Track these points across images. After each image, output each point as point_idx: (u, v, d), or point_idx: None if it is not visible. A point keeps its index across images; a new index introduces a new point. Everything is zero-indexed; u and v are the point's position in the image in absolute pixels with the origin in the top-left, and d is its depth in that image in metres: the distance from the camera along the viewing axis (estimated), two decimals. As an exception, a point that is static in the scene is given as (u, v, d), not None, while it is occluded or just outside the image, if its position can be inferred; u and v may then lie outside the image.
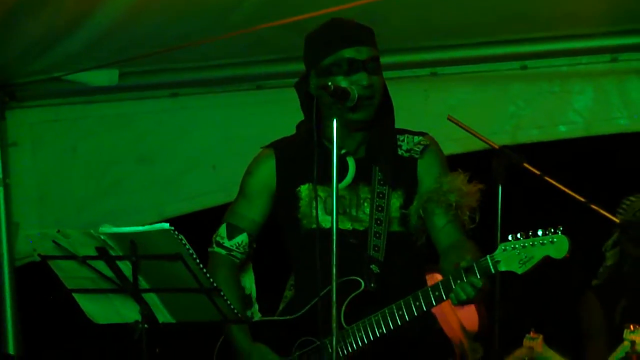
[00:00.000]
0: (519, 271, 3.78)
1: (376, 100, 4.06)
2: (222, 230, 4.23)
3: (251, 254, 4.27)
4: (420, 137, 4.17)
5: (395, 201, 4.11)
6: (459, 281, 3.78)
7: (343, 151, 4.07)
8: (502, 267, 3.79)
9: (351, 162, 4.11)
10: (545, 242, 3.75)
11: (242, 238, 4.21)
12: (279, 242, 4.27)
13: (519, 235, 3.79)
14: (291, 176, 4.17)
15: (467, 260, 3.80)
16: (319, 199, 4.05)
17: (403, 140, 4.16)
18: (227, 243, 4.21)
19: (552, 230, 3.76)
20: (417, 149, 4.14)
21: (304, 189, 4.14)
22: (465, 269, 3.78)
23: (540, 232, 3.77)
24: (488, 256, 3.80)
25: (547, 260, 3.76)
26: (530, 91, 6.06)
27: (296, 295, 4.24)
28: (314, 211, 4.04)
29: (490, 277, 3.83)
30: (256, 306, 4.29)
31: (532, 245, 3.76)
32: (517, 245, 3.78)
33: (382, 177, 4.09)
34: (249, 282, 4.31)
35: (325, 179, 3.84)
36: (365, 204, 4.10)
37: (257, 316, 4.28)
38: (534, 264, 3.77)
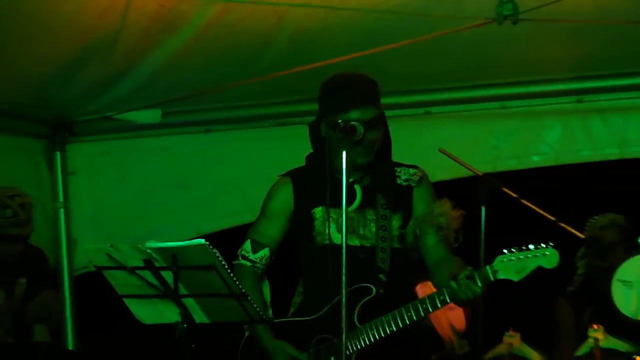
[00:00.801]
0: (516, 279, 3.81)
1: (374, 149, 4.10)
2: (247, 245, 4.24)
3: (270, 265, 4.30)
4: (415, 170, 4.21)
5: (396, 222, 4.14)
6: (462, 287, 3.82)
7: (351, 179, 4.11)
8: (501, 276, 3.81)
9: (358, 190, 4.14)
10: (538, 254, 3.79)
11: (264, 252, 4.22)
12: (286, 257, 4.30)
13: (513, 249, 3.82)
14: (306, 200, 4.18)
15: (469, 270, 3.84)
16: (331, 219, 4.08)
17: (400, 172, 4.19)
18: (251, 256, 4.21)
19: (544, 245, 3.81)
20: (414, 179, 4.17)
21: (318, 211, 4.14)
22: (467, 277, 3.82)
23: (532, 247, 3.81)
24: (487, 266, 3.84)
25: (538, 269, 3.82)
26: (508, 127, 6.09)
27: (305, 300, 4.24)
28: (327, 229, 4.10)
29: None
30: (270, 310, 4.30)
31: (526, 257, 3.80)
32: (512, 258, 3.81)
33: (385, 202, 4.13)
34: (265, 289, 4.32)
35: (336, 203, 3.87)
36: (371, 225, 4.12)
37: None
38: (528, 272, 3.80)
